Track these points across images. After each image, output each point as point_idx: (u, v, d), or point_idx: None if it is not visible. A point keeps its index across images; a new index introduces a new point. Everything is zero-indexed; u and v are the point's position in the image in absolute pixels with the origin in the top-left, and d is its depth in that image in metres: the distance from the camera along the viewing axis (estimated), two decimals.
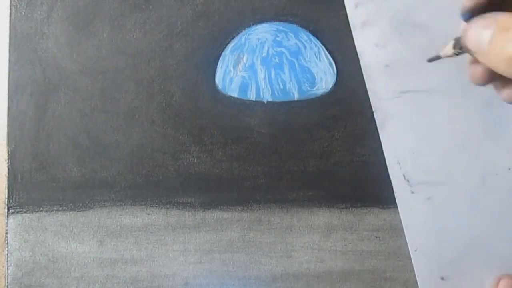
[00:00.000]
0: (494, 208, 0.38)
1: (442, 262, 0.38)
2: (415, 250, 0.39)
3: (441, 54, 0.31)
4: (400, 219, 0.40)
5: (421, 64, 0.38)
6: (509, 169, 0.38)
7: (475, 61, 0.28)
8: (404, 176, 0.39)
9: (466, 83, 0.37)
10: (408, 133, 0.39)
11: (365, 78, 0.39)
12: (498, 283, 0.37)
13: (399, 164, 0.39)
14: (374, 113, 0.39)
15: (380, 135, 0.39)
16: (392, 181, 0.39)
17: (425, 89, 0.38)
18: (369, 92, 0.39)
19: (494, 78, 0.29)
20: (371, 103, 0.39)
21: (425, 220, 0.39)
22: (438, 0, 0.38)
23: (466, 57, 0.29)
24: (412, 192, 0.39)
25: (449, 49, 0.29)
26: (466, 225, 0.38)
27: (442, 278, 0.38)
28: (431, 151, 0.39)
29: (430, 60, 0.32)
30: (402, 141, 0.39)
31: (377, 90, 0.39)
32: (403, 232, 0.40)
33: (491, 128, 0.38)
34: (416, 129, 0.39)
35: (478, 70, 0.29)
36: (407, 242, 0.39)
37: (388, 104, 0.39)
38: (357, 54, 0.40)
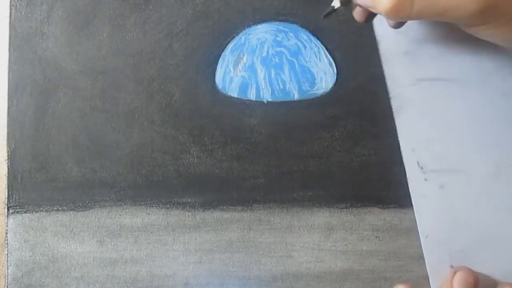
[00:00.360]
0: (508, 199, 0.38)
1: (452, 250, 0.38)
2: (426, 237, 0.39)
3: (333, 5, 0.36)
4: (400, 219, 0.40)
5: (440, 53, 0.38)
6: None
7: (354, 5, 0.35)
8: (418, 163, 0.39)
9: (483, 73, 0.37)
10: (423, 121, 0.39)
11: (383, 64, 0.39)
12: (454, 274, 0.37)
13: (414, 151, 0.39)
14: (391, 99, 0.39)
15: (396, 121, 0.39)
16: (406, 168, 0.39)
17: (443, 78, 0.39)
18: (386, 78, 0.39)
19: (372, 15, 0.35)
20: (388, 89, 0.39)
21: (437, 207, 0.39)
22: None
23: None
24: (425, 180, 0.39)
25: (336, 1, 0.35)
26: (479, 215, 0.38)
27: (452, 266, 0.38)
28: (446, 139, 0.39)
29: (325, 16, 0.36)
30: (417, 128, 0.39)
31: (395, 77, 0.39)
32: (403, 232, 0.40)
33: (507, 118, 0.38)
34: (432, 117, 0.39)
35: (358, 11, 0.35)
36: (418, 229, 0.39)
37: (405, 90, 0.39)
38: (357, 54, 0.40)
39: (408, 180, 0.39)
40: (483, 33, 0.32)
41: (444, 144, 0.39)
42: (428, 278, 0.38)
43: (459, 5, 0.29)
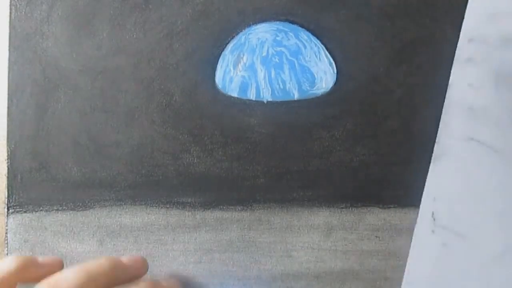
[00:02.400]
0: (506, 285, 0.36)
1: None
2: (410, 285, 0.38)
3: None
4: (400, 219, 0.40)
5: (500, 121, 0.37)
6: None
7: None
8: (433, 213, 0.38)
9: None
10: (457, 178, 0.38)
11: (443, 110, 0.38)
12: None
13: (435, 200, 0.38)
14: (436, 143, 0.38)
15: (430, 166, 0.38)
16: (419, 212, 0.39)
17: (491, 145, 0.37)
18: (441, 123, 0.38)
19: None
20: (438, 134, 0.38)
21: (431, 263, 0.38)
22: None
23: None
24: (432, 231, 0.38)
25: None
26: None
27: None
28: (470, 203, 0.38)
29: None
30: (448, 182, 0.38)
31: (449, 125, 0.38)
32: (403, 232, 0.40)
33: None
34: (466, 178, 0.38)
35: None
36: (404, 275, 0.39)
37: (452, 142, 0.38)
38: (357, 53, 0.39)
39: (416, 225, 0.39)
40: None
41: (466, 207, 0.38)
42: None
43: None
